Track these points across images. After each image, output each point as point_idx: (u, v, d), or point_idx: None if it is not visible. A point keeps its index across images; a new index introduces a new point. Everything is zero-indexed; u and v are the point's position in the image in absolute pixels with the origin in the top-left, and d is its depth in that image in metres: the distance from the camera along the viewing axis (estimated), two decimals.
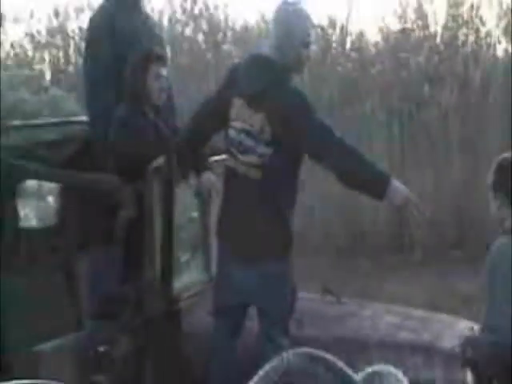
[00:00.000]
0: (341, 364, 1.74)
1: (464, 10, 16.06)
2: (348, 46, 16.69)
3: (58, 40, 17.34)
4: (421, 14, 16.22)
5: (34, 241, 6.34)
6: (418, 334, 6.36)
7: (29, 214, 6.34)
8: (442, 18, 16.19)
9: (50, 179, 6.31)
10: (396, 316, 6.86)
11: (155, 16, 16.38)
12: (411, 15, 16.37)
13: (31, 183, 6.38)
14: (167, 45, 15.90)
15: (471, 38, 16.02)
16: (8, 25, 17.44)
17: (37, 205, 6.38)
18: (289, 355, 1.66)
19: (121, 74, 6.37)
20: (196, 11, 17.20)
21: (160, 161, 6.04)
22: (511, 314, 5.18)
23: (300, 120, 5.43)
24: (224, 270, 5.84)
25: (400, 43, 16.34)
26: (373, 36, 16.71)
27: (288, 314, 5.81)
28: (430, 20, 16.32)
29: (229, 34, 17.25)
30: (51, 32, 17.35)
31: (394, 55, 16.06)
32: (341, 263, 13.99)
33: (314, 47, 6.00)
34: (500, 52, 16.11)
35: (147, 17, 6.85)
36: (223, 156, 6.02)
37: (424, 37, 16.21)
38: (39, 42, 17.44)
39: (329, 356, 1.69)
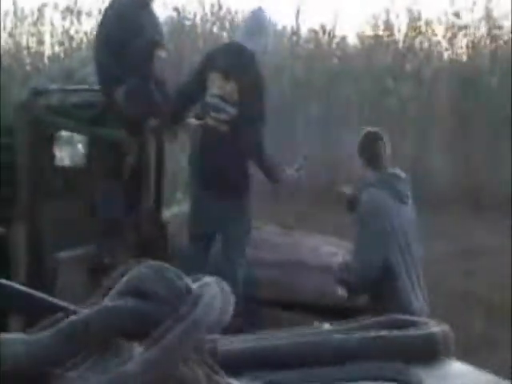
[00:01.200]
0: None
1: (421, 23, 15.47)
2: (334, 46, 16.63)
3: None
4: (388, 25, 16.15)
5: (66, 176, 6.25)
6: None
7: (63, 156, 6.30)
8: (403, 29, 15.93)
9: (77, 131, 6.25)
10: (333, 246, 6.70)
11: (190, 16, 16.31)
12: (381, 25, 16.32)
13: (65, 133, 6.38)
14: (200, 38, 16.07)
15: (425, 45, 15.55)
16: (83, 17, 17.12)
17: (69, 149, 6.34)
18: (140, 267, 1.36)
19: (125, 55, 6.12)
20: (221, 14, 17.43)
21: (155, 120, 6.10)
22: (359, 252, 5.29)
23: (257, 91, 5.62)
24: (197, 203, 5.77)
25: (372, 46, 16.39)
26: (352, 39, 16.89)
27: (246, 239, 5.71)
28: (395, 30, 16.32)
29: None
30: None
31: (368, 55, 16.17)
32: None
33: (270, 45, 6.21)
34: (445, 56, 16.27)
35: (152, 13, 6.49)
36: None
37: (391, 42, 16.16)
38: None
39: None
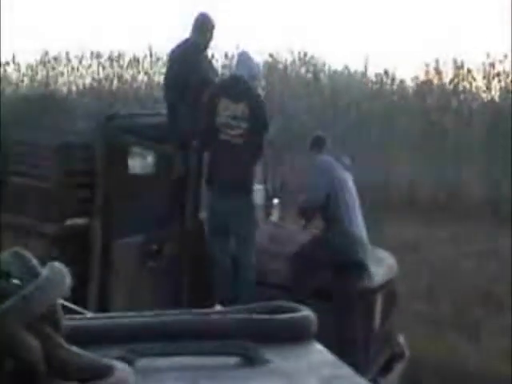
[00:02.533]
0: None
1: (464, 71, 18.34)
2: (394, 87, 19.20)
3: None
4: (438, 71, 18.89)
5: (137, 181, 6.20)
6: None
7: (134, 166, 6.29)
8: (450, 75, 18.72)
9: (142, 147, 6.28)
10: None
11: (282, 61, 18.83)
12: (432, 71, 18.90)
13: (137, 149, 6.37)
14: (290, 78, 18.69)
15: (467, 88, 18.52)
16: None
17: (139, 160, 6.34)
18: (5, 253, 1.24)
19: (185, 90, 6.25)
20: (306, 59, 20.35)
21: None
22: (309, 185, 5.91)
23: (260, 113, 5.84)
24: (213, 205, 5.80)
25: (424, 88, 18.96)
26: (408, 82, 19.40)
27: (253, 231, 5.73)
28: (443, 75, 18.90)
29: None
30: None
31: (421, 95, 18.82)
32: None
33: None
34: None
35: (207, 57, 6.82)
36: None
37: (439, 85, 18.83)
38: None
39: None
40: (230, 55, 19.98)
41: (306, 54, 19.88)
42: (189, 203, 6.01)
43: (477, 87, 18.74)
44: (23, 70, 21.70)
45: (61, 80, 21.55)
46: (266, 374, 1.53)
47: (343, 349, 5.02)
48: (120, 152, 6.10)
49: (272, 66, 20.01)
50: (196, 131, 6.04)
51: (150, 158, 6.32)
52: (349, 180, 5.85)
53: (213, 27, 6.65)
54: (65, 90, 21.22)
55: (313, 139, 6.09)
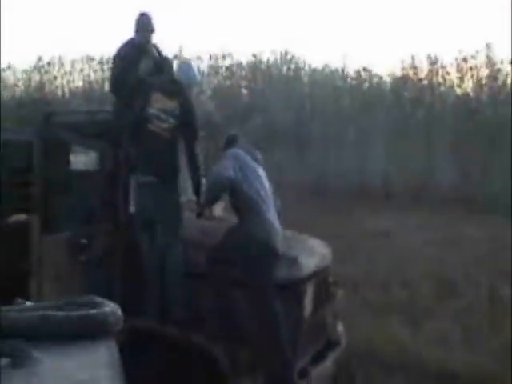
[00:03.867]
0: None
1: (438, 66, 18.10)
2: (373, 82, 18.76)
3: None
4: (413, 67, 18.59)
5: (74, 177, 6.08)
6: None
7: (71, 162, 6.08)
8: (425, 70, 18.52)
9: (80, 144, 6.08)
10: None
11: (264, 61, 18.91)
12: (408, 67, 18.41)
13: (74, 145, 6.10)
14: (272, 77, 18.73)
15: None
16: None
17: (77, 157, 6.18)
18: None
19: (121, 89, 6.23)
20: (287, 58, 19.80)
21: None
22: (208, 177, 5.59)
23: (189, 113, 5.64)
24: (140, 198, 5.60)
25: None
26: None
27: (177, 223, 5.53)
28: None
29: None
30: None
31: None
32: None
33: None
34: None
35: (151, 57, 6.42)
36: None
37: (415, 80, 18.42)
38: None
39: None
40: (213, 56, 19.95)
41: (286, 53, 19.74)
42: (118, 197, 5.72)
43: (451, 81, 18.57)
44: (19, 75, 21.60)
45: (55, 84, 21.39)
46: (25, 375, 1.44)
47: (264, 338, 5.04)
48: (57, 149, 5.84)
49: (255, 65, 19.92)
50: (127, 123, 5.78)
51: (87, 155, 6.09)
52: (260, 171, 5.51)
53: (153, 27, 6.47)
54: (59, 92, 21.14)
55: (226, 139, 5.75)
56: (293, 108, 18.38)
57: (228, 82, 19.98)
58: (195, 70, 6.27)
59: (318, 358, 5.61)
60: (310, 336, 5.52)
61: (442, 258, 10.31)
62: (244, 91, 19.84)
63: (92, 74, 20.79)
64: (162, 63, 6.47)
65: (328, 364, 5.67)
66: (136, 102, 5.76)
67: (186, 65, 6.45)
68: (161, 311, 5.35)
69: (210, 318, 5.20)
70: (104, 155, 5.86)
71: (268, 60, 19.89)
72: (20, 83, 21.54)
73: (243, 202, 5.32)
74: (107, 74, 20.73)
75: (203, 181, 5.95)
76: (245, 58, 20.03)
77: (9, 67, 21.04)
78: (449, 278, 9.10)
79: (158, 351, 5.20)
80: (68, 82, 21.17)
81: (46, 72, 21.24)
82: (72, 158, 6.03)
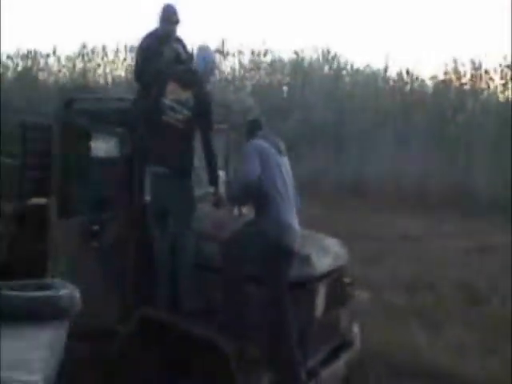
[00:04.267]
0: None
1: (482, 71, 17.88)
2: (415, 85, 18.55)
3: None
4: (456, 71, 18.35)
5: (92, 164, 5.85)
6: None
7: (91, 148, 5.89)
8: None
9: (100, 131, 5.86)
10: None
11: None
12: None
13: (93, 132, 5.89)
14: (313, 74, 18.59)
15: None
16: None
17: (97, 143, 5.96)
18: None
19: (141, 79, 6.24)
20: (329, 57, 19.76)
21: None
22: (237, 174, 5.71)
23: (204, 105, 5.49)
24: (153, 187, 5.56)
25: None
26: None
27: (190, 214, 5.43)
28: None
29: None
30: None
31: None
32: None
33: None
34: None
35: (173, 48, 6.38)
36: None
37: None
38: None
39: None
40: (255, 52, 19.88)
41: (329, 52, 19.56)
42: (133, 185, 5.64)
43: (494, 87, 18.25)
44: (63, 61, 21.74)
45: (98, 71, 21.52)
46: None
47: (273, 336, 4.97)
48: (78, 134, 5.82)
49: (296, 62, 19.78)
50: (142, 112, 5.72)
51: (108, 142, 5.91)
52: (283, 165, 5.34)
53: (177, 18, 6.39)
54: (102, 80, 21.23)
55: (247, 126, 5.52)
56: (332, 107, 18.21)
57: (268, 79, 19.88)
58: (213, 55, 6.11)
59: (330, 358, 5.49)
60: (322, 336, 5.39)
61: (470, 265, 10.12)
62: (285, 88, 19.71)
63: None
64: (183, 56, 6.39)
65: (340, 365, 5.55)
66: (152, 92, 5.68)
67: (203, 49, 5.90)
68: (171, 301, 5.30)
69: (220, 311, 5.11)
70: (122, 143, 5.76)
71: (310, 58, 19.71)
72: (64, 69, 21.67)
73: (261, 199, 5.19)
74: None
75: (220, 172, 5.90)
76: (286, 54, 19.91)
77: (54, 53, 21.22)
78: (475, 286, 8.87)
79: (167, 340, 5.15)
80: (111, 70, 21.26)
81: (90, 60, 21.36)
82: (93, 144, 5.88)
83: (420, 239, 12.01)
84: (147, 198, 5.63)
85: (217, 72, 6.43)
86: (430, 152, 17.09)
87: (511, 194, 15.71)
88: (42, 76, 21.19)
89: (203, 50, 5.91)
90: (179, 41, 6.49)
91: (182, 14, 6.44)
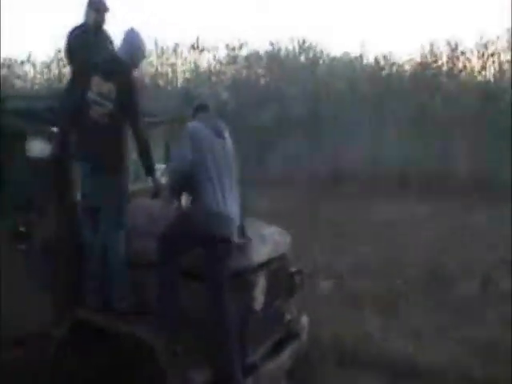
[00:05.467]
0: None
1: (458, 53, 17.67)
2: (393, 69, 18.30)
3: None
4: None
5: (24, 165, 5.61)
6: None
7: (25, 149, 5.61)
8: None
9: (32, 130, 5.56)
10: None
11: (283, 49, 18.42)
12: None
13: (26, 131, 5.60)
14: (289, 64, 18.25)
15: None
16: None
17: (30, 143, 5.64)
18: None
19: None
20: (305, 46, 19.54)
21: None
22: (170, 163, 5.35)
23: (128, 94, 5.22)
24: (82, 185, 5.34)
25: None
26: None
27: (121, 211, 5.21)
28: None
29: None
30: None
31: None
32: None
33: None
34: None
35: (105, 39, 6.37)
36: None
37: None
38: None
39: None
40: (230, 46, 19.67)
41: (304, 42, 19.28)
42: (63, 184, 5.35)
43: (472, 68, 17.97)
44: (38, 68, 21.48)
45: None
46: None
47: (210, 331, 4.68)
48: (7, 134, 5.57)
49: (272, 54, 19.52)
50: (68, 109, 5.47)
51: (38, 141, 5.56)
52: (220, 149, 5.05)
53: (104, 9, 6.22)
54: None
55: (194, 107, 5.30)
56: (309, 97, 17.95)
57: (245, 72, 19.60)
58: (141, 39, 5.67)
59: (273, 352, 5.26)
60: (264, 329, 5.15)
61: (444, 248, 9.87)
62: (262, 81, 19.44)
63: None
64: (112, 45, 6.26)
65: (283, 358, 5.29)
66: (77, 86, 5.45)
67: (130, 33, 5.55)
68: (102, 302, 5.05)
69: (154, 309, 4.83)
70: (52, 142, 5.43)
71: (286, 48, 19.44)
72: (39, 76, 21.36)
73: (193, 187, 4.94)
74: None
75: (159, 165, 5.64)
76: (262, 47, 19.65)
77: (28, 60, 20.96)
78: (446, 268, 8.63)
79: (100, 343, 4.88)
80: None
81: (65, 65, 21.04)
82: (24, 144, 5.53)
83: (395, 224, 11.72)
84: (76, 195, 5.35)
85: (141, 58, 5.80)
86: (408, 137, 16.87)
87: (488, 175, 15.64)
88: (18, 84, 20.89)
89: (130, 34, 5.57)
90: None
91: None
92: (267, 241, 5.35)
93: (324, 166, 16.59)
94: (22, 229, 5.33)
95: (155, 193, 5.49)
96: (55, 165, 5.37)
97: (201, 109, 5.24)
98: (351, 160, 16.51)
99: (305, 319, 5.79)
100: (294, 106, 17.69)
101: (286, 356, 5.33)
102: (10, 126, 5.61)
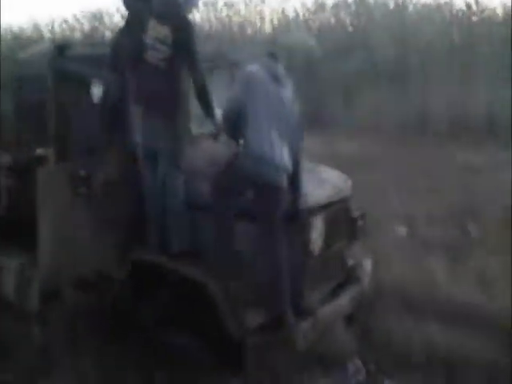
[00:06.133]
0: None
1: None
2: None
3: None
4: None
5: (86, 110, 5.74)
6: None
7: (85, 94, 5.69)
8: None
9: (91, 77, 5.67)
10: None
11: None
12: None
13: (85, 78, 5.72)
14: None
15: None
16: None
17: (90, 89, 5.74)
18: None
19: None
20: None
21: None
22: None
23: (184, 38, 5.10)
24: (142, 129, 5.26)
25: None
26: None
27: (179, 153, 5.16)
28: None
29: None
30: None
31: None
32: None
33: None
34: None
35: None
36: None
37: None
38: None
39: None
40: None
41: None
42: (121, 128, 5.30)
43: None
44: None
45: None
46: None
47: (263, 274, 4.64)
48: (69, 81, 5.62)
49: (360, 1, 19.08)
50: (125, 54, 5.32)
51: (99, 87, 5.62)
52: (276, 94, 4.87)
53: None
54: None
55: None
56: (397, 44, 17.47)
57: (333, 19, 19.25)
58: None
59: (331, 296, 5.16)
60: (322, 273, 5.06)
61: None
62: (350, 28, 19.04)
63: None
64: None
65: (342, 303, 5.20)
66: (134, 29, 5.33)
67: None
68: (162, 243, 5.04)
69: (209, 251, 4.84)
70: (112, 87, 5.43)
71: None
72: None
73: (244, 133, 4.85)
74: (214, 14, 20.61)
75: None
76: None
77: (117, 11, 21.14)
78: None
79: (159, 284, 4.94)
80: None
81: None
82: (86, 89, 5.63)
83: (480, 171, 11.34)
84: (135, 139, 5.28)
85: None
86: (498, 85, 16.22)
87: None
88: (108, 35, 21.09)
89: None
90: None
91: None
92: (326, 185, 5.24)
93: (412, 112, 16.22)
94: (83, 173, 5.34)
95: (215, 135, 5.47)
96: (115, 109, 5.33)
97: (268, 56, 5.05)
98: (439, 106, 16.04)
99: (368, 264, 5.66)
100: (381, 53, 17.27)
101: (344, 301, 5.23)
102: (74, 71, 5.64)
